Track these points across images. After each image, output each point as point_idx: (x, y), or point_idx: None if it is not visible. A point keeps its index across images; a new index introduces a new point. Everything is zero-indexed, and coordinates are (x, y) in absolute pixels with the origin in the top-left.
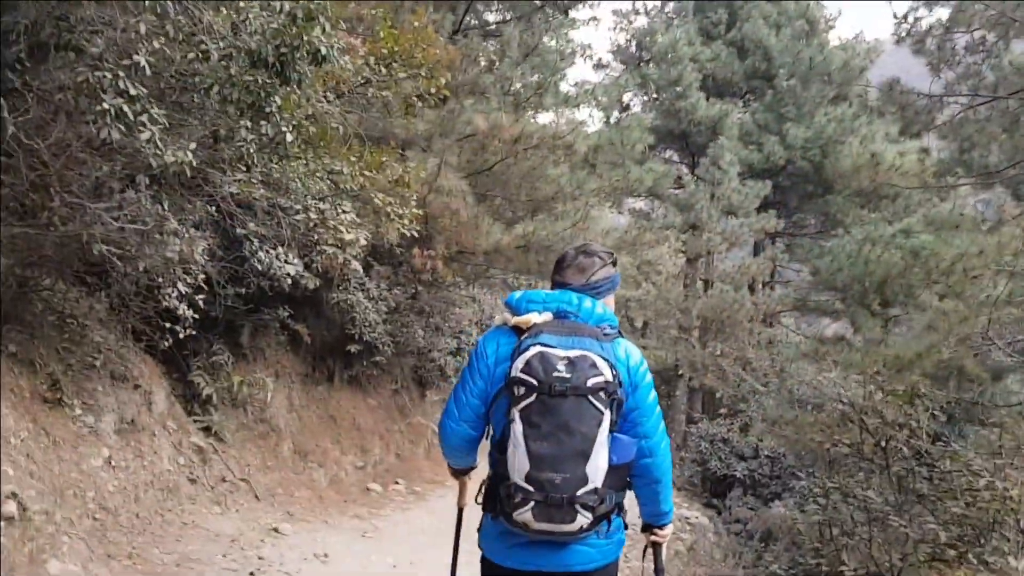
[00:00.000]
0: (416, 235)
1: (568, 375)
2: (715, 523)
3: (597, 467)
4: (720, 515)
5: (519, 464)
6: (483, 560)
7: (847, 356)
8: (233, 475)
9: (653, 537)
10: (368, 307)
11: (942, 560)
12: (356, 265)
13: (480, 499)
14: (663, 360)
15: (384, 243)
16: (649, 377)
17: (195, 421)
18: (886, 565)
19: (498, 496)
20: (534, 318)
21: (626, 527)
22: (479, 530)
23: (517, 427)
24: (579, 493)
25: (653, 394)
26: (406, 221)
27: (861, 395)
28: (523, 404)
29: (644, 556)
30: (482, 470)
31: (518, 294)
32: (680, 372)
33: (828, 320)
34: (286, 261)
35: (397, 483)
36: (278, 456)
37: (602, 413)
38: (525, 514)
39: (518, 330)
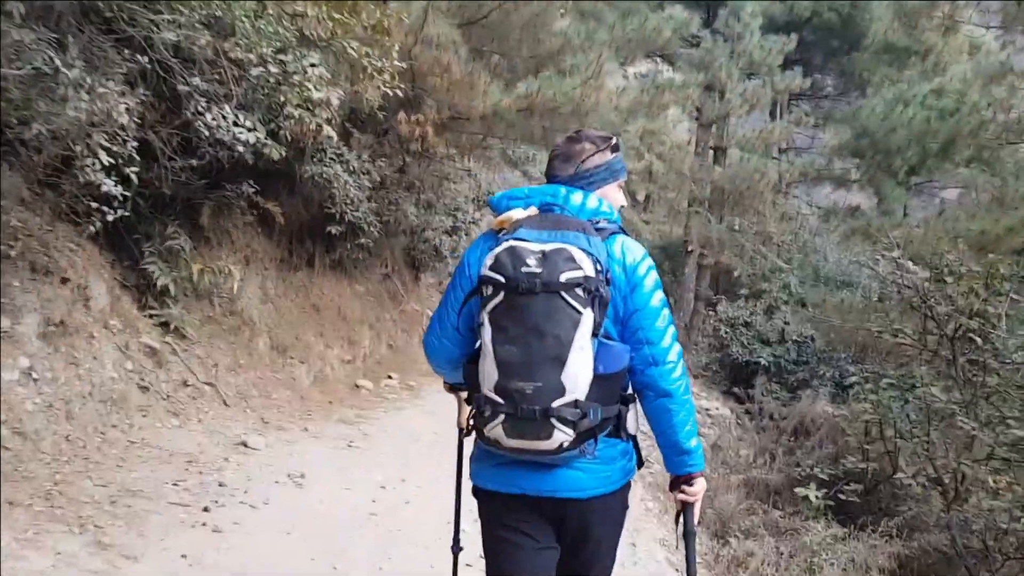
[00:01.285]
0: (401, 96)
1: (539, 269)
2: (738, 415)
3: (576, 375)
4: (743, 405)
5: (488, 373)
6: (473, 488)
7: (903, 234)
8: (196, 378)
9: (681, 496)
10: (349, 182)
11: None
12: (330, 132)
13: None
14: (668, 235)
15: (363, 106)
16: (653, 276)
17: (151, 316)
18: (948, 471)
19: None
20: (516, 214)
21: (639, 457)
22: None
23: (486, 331)
24: (555, 405)
25: (659, 295)
26: (387, 77)
27: (924, 278)
28: (491, 305)
29: (677, 522)
30: None
31: (499, 193)
32: (690, 248)
33: (841, 191)
34: (239, 124)
35: (390, 377)
36: (252, 353)
37: (579, 313)
38: (495, 429)
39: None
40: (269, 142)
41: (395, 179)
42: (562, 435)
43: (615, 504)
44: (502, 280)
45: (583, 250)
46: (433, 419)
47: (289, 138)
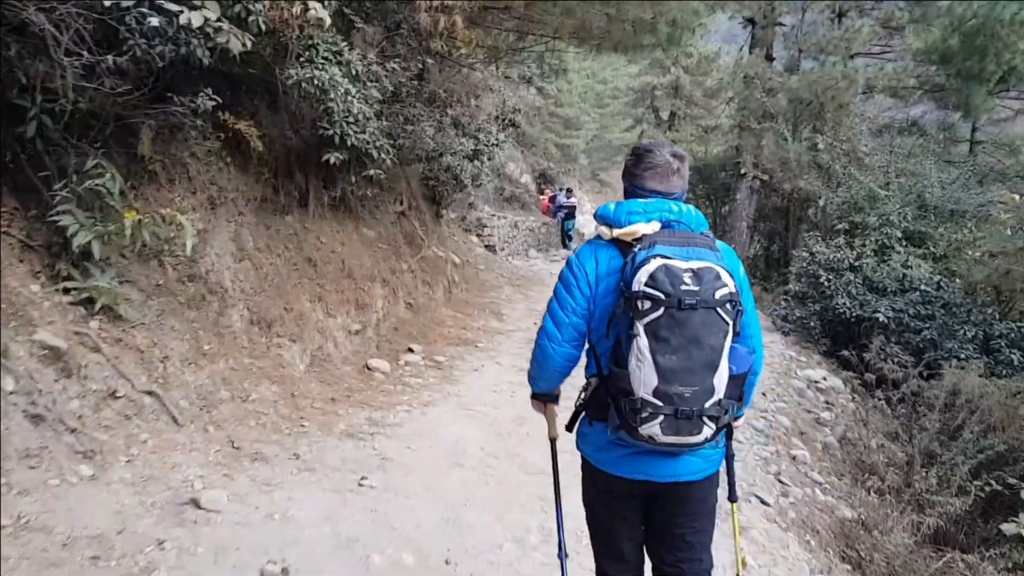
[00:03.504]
0: None
1: (696, 287)
2: (854, 388)
3: (722, 378)
4: (854, 374)
5: (646, 378)
6: (587, 465)
7: None
8: (132, 385)
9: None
10: (351, 92)
11: None
12: (321, 13)
13: (583, 403)
14: (696, 156)
15: None
16: (746, 276)
17: (64, 291)
18: None
19: (616, 411)
20: (642, 228)
21: (728, 436)
22: (577, 433)
23: (642, 341)
24: (707, 405)
25: (751, 293)
26: None
27: None
28: (649, 318)
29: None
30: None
31: (612, 206)
32: (743, 171)
33: (899, 104)
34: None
35: (411, 351)
36: (222, 334)
37: (728, 324)
38: (653, 428)
39: (620, 243)
40: (224, 26)
41: (412, 89)
42: (708, 430)
43: (716, 479)
44: (662, 297)
45: (723, 268)
46: (476, 421)
47: (263, 26)
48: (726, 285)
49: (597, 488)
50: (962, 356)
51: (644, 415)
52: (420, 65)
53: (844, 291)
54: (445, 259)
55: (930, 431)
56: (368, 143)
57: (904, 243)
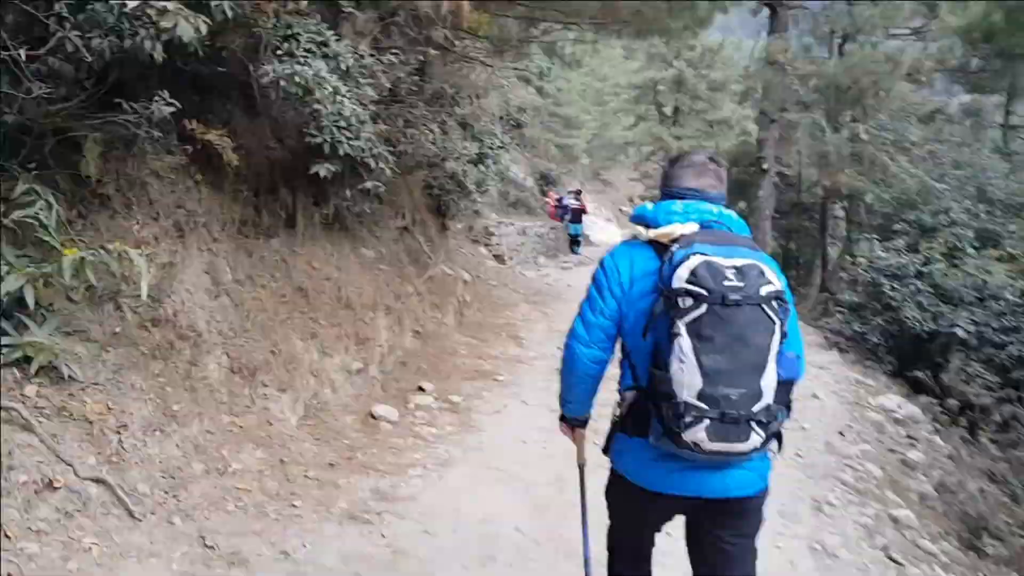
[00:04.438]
0: None
1: (740, 283)
2: (936, 417)
3: (770, 381)
4: (933, 397)
5: (689, 380)
6: (622, 483)
7: None
8: (74, 471)
9: None
10: (340, 90)
11: None
12: None
13: (618, 419)
14: (721, 151)
15: None
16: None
17: None
18: None
19: (657, 418)
20: (680, 229)
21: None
22: (609, 451)
23: (684, 341)
24: (755, 409)
25: (792, 299)
26: None
27: None
28: (691, 316)
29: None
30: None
31: (650, 206)
32: (764, 166)
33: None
34: None
35: (422, 390)
36: (196, 388)
37: (774, 323)
38: (698, 433)
39: (657, 244)
40: (170, 6)
41: (412, 86)
42: (757, 437)
43: (765, 496)
44: (705, 293)
45: (767, 265)
46: (505, 487)
47: (229, 12)
48: (771, 282)
49: (630, 503)
50: None
51: (688, 420)
52: (421, 58)
53: (912, 302)
54: (454, 277)
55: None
56: (363, 151)
57: (976, 244)
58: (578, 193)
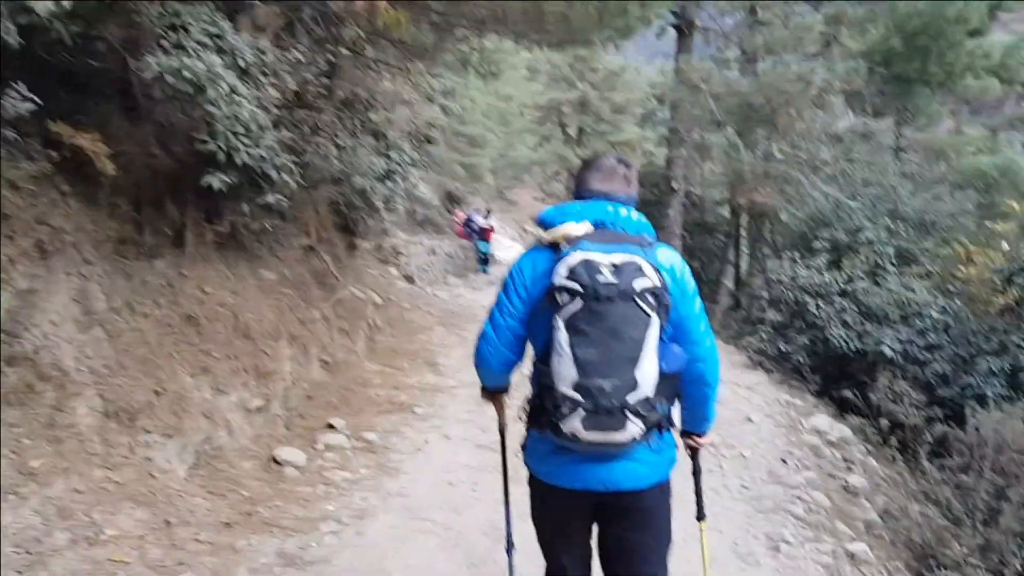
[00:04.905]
0: None
1: (615, 280)
2: (868, 437)
3: (646, 373)
4: (862, 417)
5: (565, 372)
6: (531, 479)
7: None
8: None
9: (691, 443)
10: (239, 89)
11: None
12: None
13: (523, 416)
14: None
15: None
16: (693, 283)
17: None
18: None
19: (544, 409)
20: (571, 229)
21: (676, 446)
22: (523, 447)
23: (561, 335)
24: (629, 399)
25: (699, 300)
26: None
27: None
28: (568, 311)
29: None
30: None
31: (552, 209)
32: (674, 186)
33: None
34: None
35: (332, 428)
36: (62, 439)
37: (649, 317)
38: (574, 423)
39: (555, 246)
40: None
41: (321, 89)
42: (635, 427)
43: (667, 490)
44: (580, 289)
45: (648, 262)
46: (434, 539)
47: None
48: (647, 277)
49: (541, 502)
50: (988, 393)
51: (564, 410)
52: (331, 58)
53: (838, 320)
54: (364, 300)
55: (980, 493)
56: (264, 160)
57: (894, 262)
58: (489, 212)
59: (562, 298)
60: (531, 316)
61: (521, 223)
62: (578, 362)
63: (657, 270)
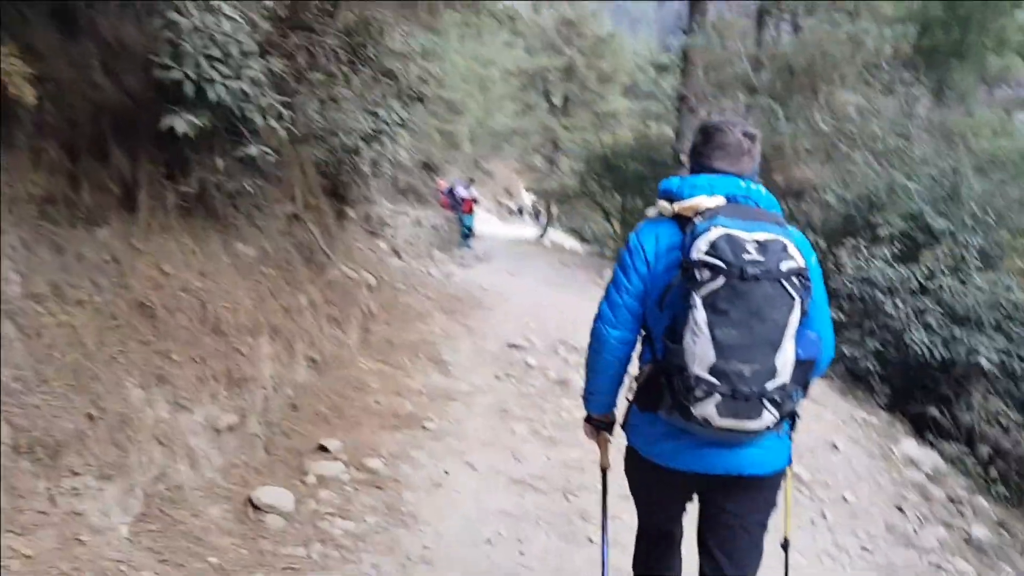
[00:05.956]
0: None
1: (761, 258)
2: (965, 465)
3: (786, 359)
4: (952, 441)
5: (702, 354)
6: (636, 457)
7: None
8: None
9: None
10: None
11: None
12: None
13: (631, 395)
14: (592, 144)
15: None
16: (819, 266)
17: None
18: None
19: (668, 390)
20: (704, 202)
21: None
22: (625, 426)
23: (699, 314)
24: (768, 387)
25: (823, 284)
26: None
27: None
28: (708, 289)
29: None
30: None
31: (677, 180)
32: (683, 159)
33: None
34: None
35: (324, 451)
36: None
37: (794, 300)
38: (708, 408)
39: (681, 219)
40: None
41: (322, 11)
42: (770, 416)
43: (781, 478)
44: (723, 266)
45: (792, 241)
46: None
47: None
48: (793, 258)
49: (642, 477)
50: None
51: (698, 394)
52: None
53: (919, 323)
54: (357, 281)
55: None
56: (247, 98)
57: (977, 256)
58: (471, 181)
59: (702, 275)
60: (655, 293)
61: (496, 195)
62: (717, 344)
63: (800, 251)
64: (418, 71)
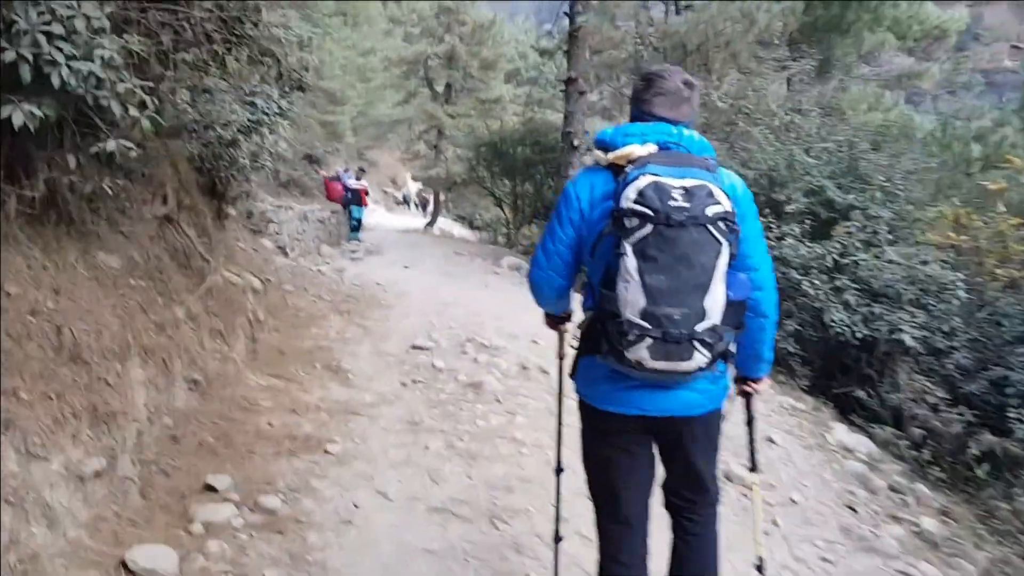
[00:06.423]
0: None
1: (686, 204)
2: (899, 451)
3: (715, 302)
4: (879, 423)
5: (633, 300)
6: (582, 404)
7: None
8: None
9: (748, 389)
10: None
11: None
12: None
13: (575, 343)
14: (480, 129)
15: None
16: (753, 204)
17: None
18: None
19: (604, 336)
20: (636, 150)
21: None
22: (573, 375)
23: (629, 261)
24: (698, 329)
25: (758, 222)
26: None
27: None
28: (636, 236)
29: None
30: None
31: (610, 130)
32: (575, 142)
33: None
34: None
35: (211, 491)
36: None
37: (720, 244)
38: (640, 351)
39: (615, 168)
40: None
41: None
42: (701, 357)
43: (719, 419)
44: (650, 213)
45: (718, 186)
46: None
47: None
48: (720, 203)
49: (591, 428)
50: None
51: (631, 338)
52: None
53: (838, 301)
54: (242, 286)
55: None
56: (100, 83)
57: (890, 229)
58: (361, 171)
59: (630, 222)
60: (590, 240)
61: (382, 185)
62: (647, 289)
63: (727, 195)
64: (296, 60)
